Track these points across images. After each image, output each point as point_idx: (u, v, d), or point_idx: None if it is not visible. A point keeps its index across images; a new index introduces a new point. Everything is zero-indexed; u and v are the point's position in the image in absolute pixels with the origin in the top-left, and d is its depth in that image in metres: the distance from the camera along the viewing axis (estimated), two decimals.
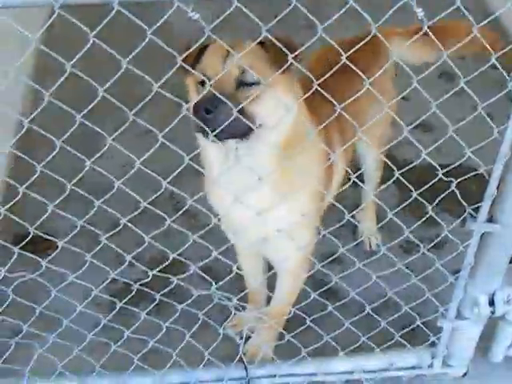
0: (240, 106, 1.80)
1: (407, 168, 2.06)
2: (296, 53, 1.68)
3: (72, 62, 1.57)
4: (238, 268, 2.25)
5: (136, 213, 1.97)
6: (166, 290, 2.26)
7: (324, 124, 1.88)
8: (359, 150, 2.94)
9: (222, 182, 2.01)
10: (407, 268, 2.61)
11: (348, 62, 1.69)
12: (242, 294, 2.41)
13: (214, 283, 2.23)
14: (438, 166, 2.00)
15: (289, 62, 1.70)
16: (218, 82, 1.79)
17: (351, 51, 1.69)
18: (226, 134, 1.87)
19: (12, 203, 1.97)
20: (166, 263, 2.17)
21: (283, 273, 2.47)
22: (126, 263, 2.10)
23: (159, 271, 2.19)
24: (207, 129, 1.82)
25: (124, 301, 2.28)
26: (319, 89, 1.74)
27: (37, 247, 2.70)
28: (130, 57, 1.59)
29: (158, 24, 1.54)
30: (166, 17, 1.54)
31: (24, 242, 2.07)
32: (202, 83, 1.91)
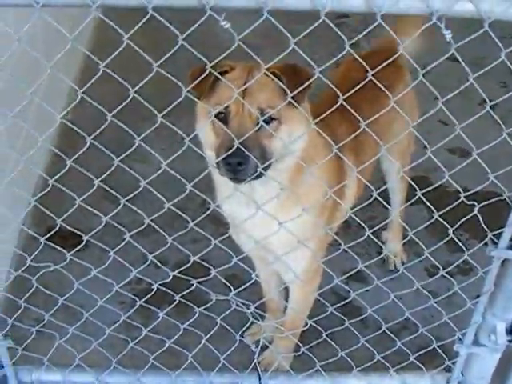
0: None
1: (428, 189, 2.06)
2: (309, 82, 1.71)
3: (104, 64, 1.63)
4: (257, 276, 2.28)
5: (159, 213, 2.01)
6: (185, 292, 2.29)
7: (338, 145, 1.88)
8: (383, 166, 2.94)
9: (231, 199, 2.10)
10: (430, 292, 2.62)
11: (373, 79, 1.69)
12: (259, 302, 2.44)
13: (232, 289, 2.26)
14: (461, 190, 2.00)
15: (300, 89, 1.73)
16: (239, 123, 1.87)
17: (377, 69, 1.69)
18: (252, 178, 1.93)
19: (41, 195, 2.04)
20: (187, 266, 2.20)
21: (290, 284, 2.49)
22: (148, 263, 2.15)
23: (183, 273, 2.23)
24: (235, 175, 1.91)
25: (143, 299, 2.33)
26: (344, 104, 1.75)
27: (67, 242, 2.77)
28: (161, 61, 1.65)
29: (189, 31, 1.59)
30: (197, 24, 1.58)
31: (50, 234, 2.14)
32: (218, 115, 1.95)
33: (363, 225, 2.13)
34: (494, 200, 2.08)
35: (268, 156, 1.93)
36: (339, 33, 1.62)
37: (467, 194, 1.99)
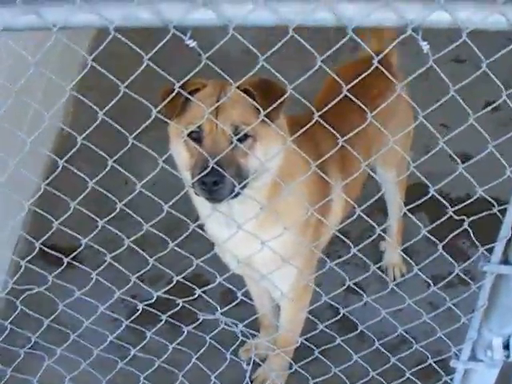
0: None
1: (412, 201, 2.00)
2: (282, 99, 1.66)
3: (71, 85, 1.60)
4: (244, 295, 2.23)
5: (139, 234, 1.97)
6: (171, 312, 2.25)
7: (317, 161, 1.83)
8: (378, 175, 2.87)
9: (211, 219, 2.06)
10: (431, 304, 2.56)
11: (349, 95, 1.64)
12: (249, 320, 2.39)
13: (218, 308, 2.22)
14: (446, 203, 1.94)
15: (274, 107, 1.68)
16: (213, 141, 1.84)
17: (355, 80, 1.63)
18: (228, 197, 1.90)
19: (20, 217, 2.01)
20: (171, 285, 2.17)
21: (280, 302, 2.45)
22: (131, 283, 2.11)
23: (173, 293, 2.20)
24: (211, 195, 1.88)
25: (130, 320, 2.30)
26: (320, 120, 1.69)
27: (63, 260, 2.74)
28: (128, 82, 1.61)
29: (153, 51, 1.54)
30: (162, 43, 1.54)
31: (31, 256, 2.09)
32: (192, 134, 1.92)
33: (345, 239, 2.07)
34: (485, 213, 2.01)
35: (244, 174, 1.88)
36: (310, 48, 1.57)
37: (454, 209, 1.93)
